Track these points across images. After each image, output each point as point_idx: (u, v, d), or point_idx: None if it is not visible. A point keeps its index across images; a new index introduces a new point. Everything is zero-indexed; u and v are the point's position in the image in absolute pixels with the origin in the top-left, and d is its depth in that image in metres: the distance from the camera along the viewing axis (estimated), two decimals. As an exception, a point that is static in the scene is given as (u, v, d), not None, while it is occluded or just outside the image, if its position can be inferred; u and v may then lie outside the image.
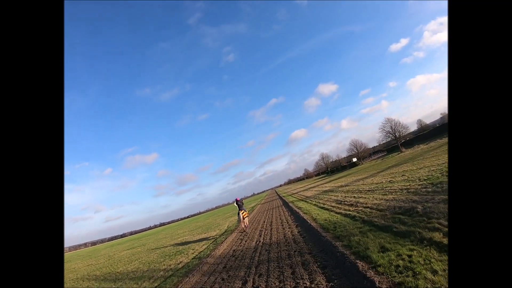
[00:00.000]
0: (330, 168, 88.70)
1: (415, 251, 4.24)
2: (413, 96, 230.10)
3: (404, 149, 45.53)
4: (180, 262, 9.74)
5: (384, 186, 14.22)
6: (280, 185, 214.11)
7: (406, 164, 23.44)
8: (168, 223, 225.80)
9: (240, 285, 5.38)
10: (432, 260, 3.71)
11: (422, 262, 3.76)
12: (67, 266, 25.01)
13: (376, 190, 13.49)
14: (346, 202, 12.43)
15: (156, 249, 17.42)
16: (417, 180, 11.56)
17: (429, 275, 3.34)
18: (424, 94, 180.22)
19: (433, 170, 12.73)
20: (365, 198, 11.79)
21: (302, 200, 22.26)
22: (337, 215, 10.00)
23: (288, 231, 10.04)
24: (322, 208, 13.49)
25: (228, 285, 5.57)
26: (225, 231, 16.27)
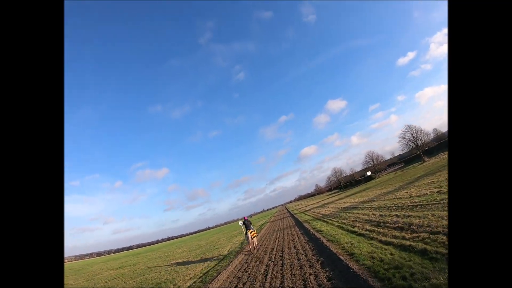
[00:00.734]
0: (343, 183, 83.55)
1: None
2: (422, 108, 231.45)
3: (426, 158, 40.88)
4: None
5: (435, 197, 10.46)
6: (290, 201, 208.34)
7: (441, 173, 19.51)
8: (177, 237, 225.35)
9: None
10: None
11: None
12: None
13: (427, 204, 9.77)
14: (389, 224, 8.74)
15: (141, 274, 15.15)
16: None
17: None
18: (432, 106, 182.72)
19: None
20: (419, 217, 8.10)
21: (319, 220, 18.40)
22: (387, 247, 6.36)
23: (311, 276, 5.91)
24: (353, 232, 9.79)
25: None
26: (225, 257, 13.59)
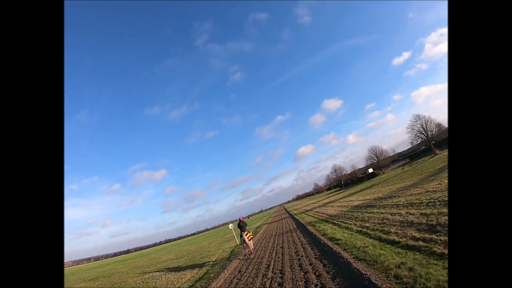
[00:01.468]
0: (344, 181, 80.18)
1: None
2: (418, 107, 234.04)
3: (438, 151, 37.39)
4: None
5: None
6: (288, 201, 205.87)
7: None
8: (174, 239, 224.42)
9: None
10: None
11: None
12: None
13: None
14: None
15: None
16: None
17: None
18: (428, 105, 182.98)
19: None
20: None
21: (327, 222, 14.78)
22: None
23: None
24: (392, 242, 6.24)
25: None
26: (214, 264, 11.64)
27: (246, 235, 11.43)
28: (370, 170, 72.11)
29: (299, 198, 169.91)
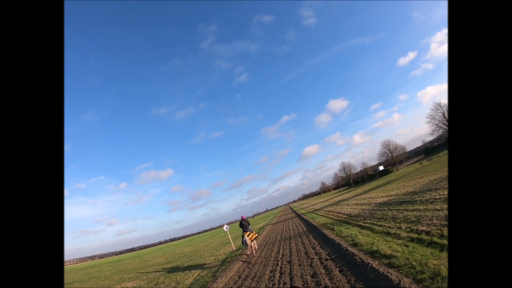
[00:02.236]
0: (353, 179, 76.02)
1: None
2: (424, 107, 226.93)
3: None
4: None
5: None
6: (294, 201, 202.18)
7: None
8: (179, 238, 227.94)
9: None
10: None
11: None
12: None
13: None
14: None
15: None
16: None
17: None
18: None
19: None
20: None
21: (349, 224, 11.19)
22: None
23: None
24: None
25: None
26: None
27: (248, 235, 10.02)
28: (381, 168, 68.08)
29: (305, 197, 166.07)
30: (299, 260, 7.28)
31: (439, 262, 3.97)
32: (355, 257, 5.53)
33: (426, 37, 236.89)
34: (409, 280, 3.71)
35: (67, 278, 26.01)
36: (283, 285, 5.37)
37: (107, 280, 16.69)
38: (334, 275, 5.06)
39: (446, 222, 6.04)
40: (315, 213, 23.18)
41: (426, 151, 57.80)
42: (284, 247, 10.47)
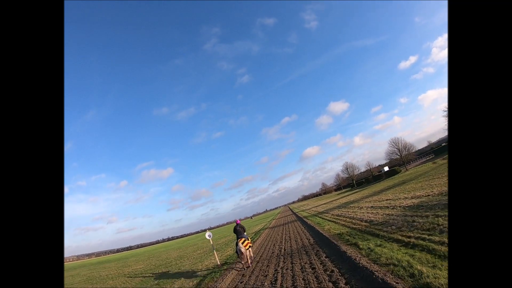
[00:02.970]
0: (356, 181, 72.48)
1: None
2: (425, 111, 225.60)
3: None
4: None
5: None
6: (293, 202, 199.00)
7: None
8: (178, 237, 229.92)
9: None
10: None
11: None
12: None
13: None
14: None
15: None
16: None
17: None
18: (436, 108, 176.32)
19: None
20: None
21: (383, 238, 7.71)
22: None
23: None
24: None
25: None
26: None
27: (243, 243, 8.78)
28: (386, 169, 64.58)
29: (305, 198, 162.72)
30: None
31: None
32: None
33: (427, 42, 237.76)
34: None
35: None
36: None
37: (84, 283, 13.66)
38: None
39: None
40: (320, 217, 19.73)
41: (435, 150, 54.55)
42: (284, 270, 7.01)
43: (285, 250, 10.16)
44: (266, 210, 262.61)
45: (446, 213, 7.44)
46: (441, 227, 6.27)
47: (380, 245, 6.48)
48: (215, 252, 10.83)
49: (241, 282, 7.02)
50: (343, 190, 79.05)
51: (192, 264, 13.88)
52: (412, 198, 13.05)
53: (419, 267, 4.23)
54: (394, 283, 3.92)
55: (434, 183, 16.18)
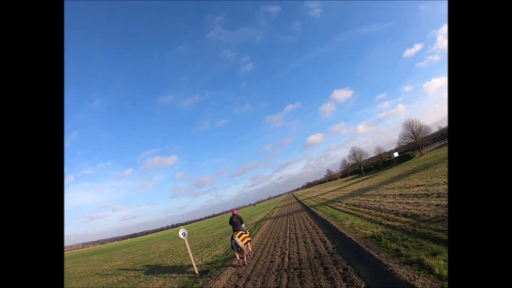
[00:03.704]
0: (364, 167, 69.07)
1: None
2: (430, 99, 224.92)
3: None
4: None
5: None
6: (297, 189, 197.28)
7: None
8: (182, 224, 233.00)
9: None
10: None
11: None
12: None
13: None
14: None
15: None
16: None
17: None
18: (440, 96, 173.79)
19: None
20: None
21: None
22: None
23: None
24: None
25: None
26: None
27: (239, 236, 7.56)
28: (396, 154, 60.97)
29: (309, 185, 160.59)
30: None
31: None
32: None
33: (432, 30, 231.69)
34: None
35: None
36: None
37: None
38: None
39: None
40: (331, 207, 16.56)
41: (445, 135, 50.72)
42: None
43: (290, 259, 6.88)
44: (270, 197, 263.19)
45: None
46: None
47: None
48: (191, 257, 7.72)
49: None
50: (350, 177, 75.88)
51: (174, 263, 11.14)
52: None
53: None
54: None
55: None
